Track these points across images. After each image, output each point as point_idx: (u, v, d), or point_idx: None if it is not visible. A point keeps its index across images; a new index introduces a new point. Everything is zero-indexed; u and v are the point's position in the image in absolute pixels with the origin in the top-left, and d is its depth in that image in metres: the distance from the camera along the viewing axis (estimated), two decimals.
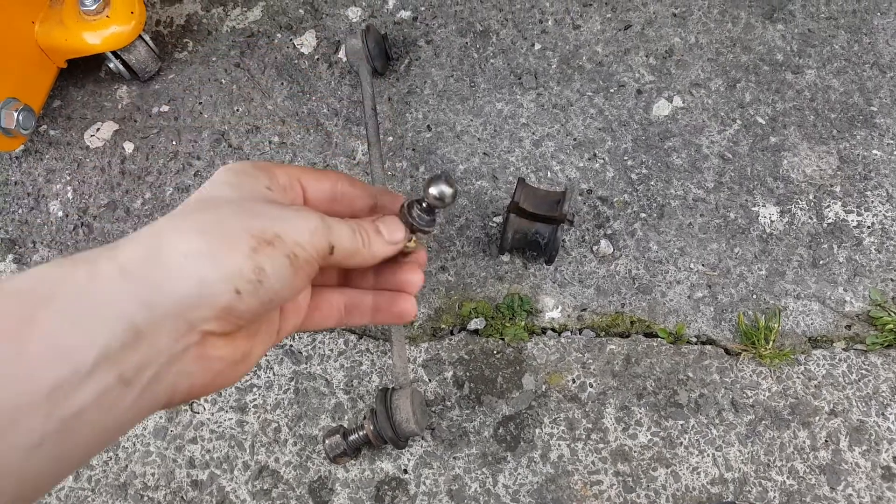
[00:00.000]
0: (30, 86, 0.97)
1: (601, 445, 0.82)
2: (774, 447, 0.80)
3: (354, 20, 1.08)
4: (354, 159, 0.99)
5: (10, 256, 0.98)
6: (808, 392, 0.82)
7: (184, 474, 0.84)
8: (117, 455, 0.85)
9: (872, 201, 0.91)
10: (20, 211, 1.01)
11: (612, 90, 1.00)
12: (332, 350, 0.88)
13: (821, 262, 0.89)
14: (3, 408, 0.22)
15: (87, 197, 1.00)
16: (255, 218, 0.28)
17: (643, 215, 0.92)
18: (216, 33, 1.10)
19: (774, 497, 0.78)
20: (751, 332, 0.84)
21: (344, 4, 1.10)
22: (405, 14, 1.08)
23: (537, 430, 0.83)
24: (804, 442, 0.80)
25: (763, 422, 0.81)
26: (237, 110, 1.04)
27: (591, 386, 0.84)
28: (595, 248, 0.91)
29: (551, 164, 0.96)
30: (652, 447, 0.81)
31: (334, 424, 0.84)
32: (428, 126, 1.00)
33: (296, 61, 1.07)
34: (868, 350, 0.84)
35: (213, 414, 0.86)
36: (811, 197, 0.92)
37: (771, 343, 0.84)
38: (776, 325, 0.85)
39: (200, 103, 1.05)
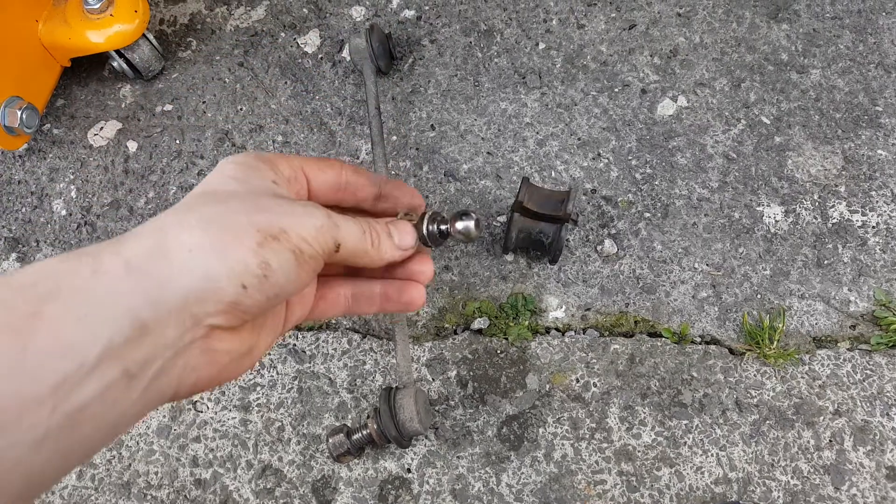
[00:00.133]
0: (33, 84, 0.97)
1: (605, 445, 0.81)
2: (778, 447, 0.80)
3: (358, 19, 1.08)
4: (358, 158, 0.99)
5: (14, 255, 0.98)
6: (812, 392, 0.82)
7: (187, 473, 0.84)
8: (121, 454, 0.85)
9: (877, 201, 0.91)
10: (23, 210, 1.01)
11: (616, 90, 1.00)
12: (335, 349, 0.88)
13: (825, 262, 0.88)
14: (9, 402, 0.22)
15: (90, 196, 1.01)
16: (260, 212, 0.28)
17: (647, 215, 0.92)
18: (220, 32, 1.10)
19: (778, 497, 0.78)
20: (755, 332, 0.84)
21: (348, 3, 1.10)
22: (409, 13, 1.08)
23: (541, 430, 0.82)
24: (808, 442, 0.80)
25: (767, 422, 0.81)
26: (241, 109, 1.04)
27: (595, 385, 0.84)
28: (599, 247, 0.91)
29: (555, 164, 0.96)
30: (656, 447, 0.81)
31: (338, 423, 0.84)
32: (432, 125, 1.00)
33: (299, 60, 1.07)
34: (872, 350, 0.83)
35: (216, 413, 0.86)
36: (816, 197, 0.92)
37: (775, 343, 0.83)
38: (780, 325, 0.84)
39: (204, 102, 1.05)
